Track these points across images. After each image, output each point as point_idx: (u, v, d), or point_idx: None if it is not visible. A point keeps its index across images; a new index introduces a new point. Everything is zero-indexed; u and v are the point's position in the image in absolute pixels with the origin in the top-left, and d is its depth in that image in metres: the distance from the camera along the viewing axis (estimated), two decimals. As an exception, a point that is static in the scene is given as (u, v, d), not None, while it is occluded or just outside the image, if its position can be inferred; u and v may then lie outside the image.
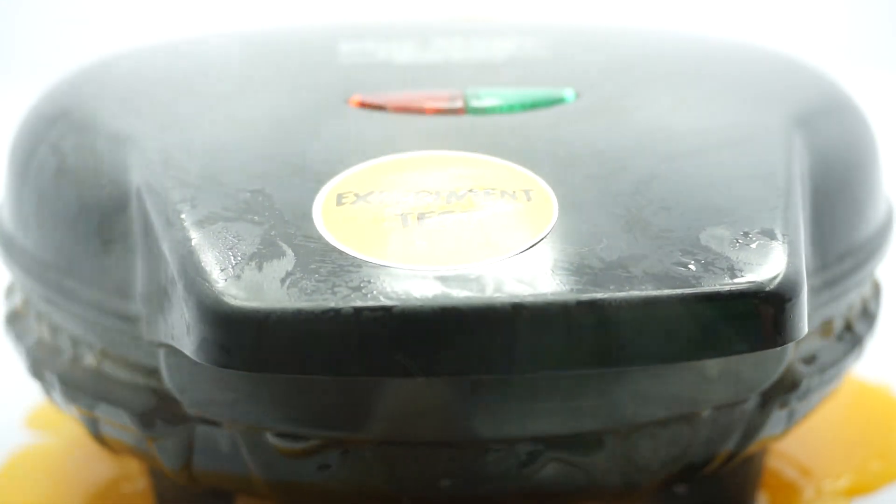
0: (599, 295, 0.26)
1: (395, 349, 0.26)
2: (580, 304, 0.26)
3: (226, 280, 0.27)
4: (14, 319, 0.34)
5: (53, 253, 0.32)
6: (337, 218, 0.28)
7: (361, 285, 0.26)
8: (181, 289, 0.27)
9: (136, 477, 0.36)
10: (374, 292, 0.26)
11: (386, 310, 0.26)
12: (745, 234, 0.28)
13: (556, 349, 0.26)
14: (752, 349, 0.27)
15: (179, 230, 0.28)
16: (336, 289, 0.26)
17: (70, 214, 0.31)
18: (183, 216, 0.28)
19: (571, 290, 0.26)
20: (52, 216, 0.32)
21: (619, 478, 0.30)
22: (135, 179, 0.30)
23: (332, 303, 0.26)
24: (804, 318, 0.27)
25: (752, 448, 0.32)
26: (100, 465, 0.37)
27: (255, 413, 0.29)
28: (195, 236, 0.28)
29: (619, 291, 0.26)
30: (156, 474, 0.33)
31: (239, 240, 0.28)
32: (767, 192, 0.29)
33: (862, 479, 0.36)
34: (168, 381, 0.30)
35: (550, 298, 0.26)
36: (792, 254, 0.27)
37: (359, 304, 0.26)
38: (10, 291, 0.35)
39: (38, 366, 0.33)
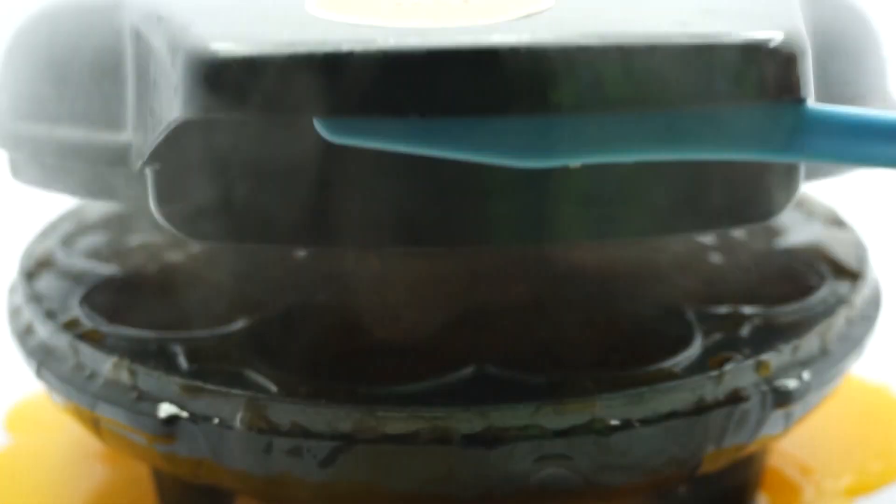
0: (598, 42, 0.26)
1: (390, 88, 0.26)
2: (581, 49, 0.26)
3: (218, 35, 0.27)
4: (16, 318, 0.34)
5: (45, 102, 0.32)
6: (331, 4, 0.29)
7: (356, 36, 0.26)
8: (168, 53, 0.27)
9: (117, 483, 0.36)
10: (369, 39, 0.26)
11: (382, 51, 0.26)
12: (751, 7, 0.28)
13: (550, 93, 0.26)
14: (759, 99, 0.27)
15: (171, 15, 0.28)
16: (329, 38, 0.26)
17: (63, 61, 0.32)
18: (174, 9, 0.29)
19: (571, 38, 0.26)
20: (46, 69, 0.32)
21: (619, 477, 0.30)
22: (128, 19, 0.30)
23: (326, 48, 0.26)
24: (810, 81, 0.27)
25: (752, 447, 0.32)
26: (83, 469, 0.36)
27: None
28: (186, 16, 0.28)
29: (624, 40, 0.26)
30: (157, 474, 0.33)
31: (230, 16, 0.28)
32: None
33: (862, 479, 0.36)
34: (155, 206, 0.29)
35: (550, 44, 0.26)
36: (796, 21, 0.27)
37: (354, 49, 0.26)
38: (12, 290, 0.35)
39: (40, 365, 0.33)
